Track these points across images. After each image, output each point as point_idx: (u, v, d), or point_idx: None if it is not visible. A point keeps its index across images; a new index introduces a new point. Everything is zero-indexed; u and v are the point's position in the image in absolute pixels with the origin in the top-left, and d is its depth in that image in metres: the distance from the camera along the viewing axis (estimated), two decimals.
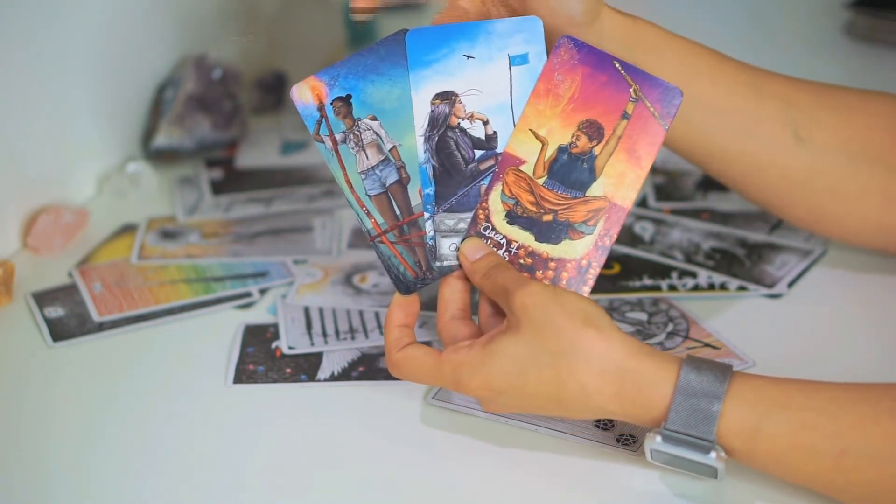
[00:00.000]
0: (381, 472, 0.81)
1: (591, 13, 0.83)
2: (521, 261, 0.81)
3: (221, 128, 1.22)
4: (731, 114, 0.89)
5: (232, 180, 1.20)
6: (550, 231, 0.82)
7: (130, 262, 1.05)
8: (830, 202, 0.91)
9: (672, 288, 0.98)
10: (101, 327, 0.96)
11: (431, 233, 0.82)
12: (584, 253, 0.81)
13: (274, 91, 1.32)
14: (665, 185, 1.13)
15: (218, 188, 1.18)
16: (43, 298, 1.00)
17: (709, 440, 0.73)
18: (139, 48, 1.20)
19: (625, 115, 0.81)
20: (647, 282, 0.99)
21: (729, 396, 0.73)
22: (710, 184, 1.13)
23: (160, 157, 1.20)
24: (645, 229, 1.07)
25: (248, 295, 1.00)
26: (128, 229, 1.10)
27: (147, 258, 1.05)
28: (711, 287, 0.98)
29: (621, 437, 0.81)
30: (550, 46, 0.82)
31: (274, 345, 0.93)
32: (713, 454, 0.73)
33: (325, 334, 0.94)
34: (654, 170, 1.16)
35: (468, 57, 0.82)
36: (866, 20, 1.40)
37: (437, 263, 0.82)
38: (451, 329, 0.81)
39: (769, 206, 0.94)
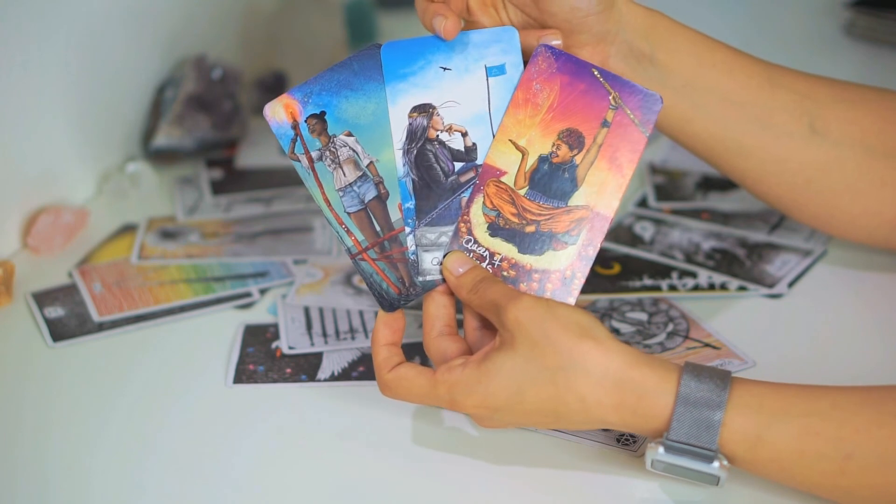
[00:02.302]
0: (381, 471, 0.81)
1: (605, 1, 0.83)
2: (505, 273, 0.81)
3: (221, 128, 1.22)
4: (746, 105, 0.88)
5: (232, 180, 1.19)
6: (533, 242, 0.81)
7: (130, 262, 1.05)
8: (845, 198, 0.90)
9: (672, 288, 0.98)
10: (101, 327, 0.96)
11: (413, 247, 0.81)
12: (567, 263, 0.81)
13: (274, 91, 1.32)
14: (665, 185, 1.13)
15: (218, 188, 1.18)
16: (43, 298, 1.00)
17: (711, 449, 0.72)
18: (139, 48, 1.20)
19: (605, 123, 0.81)
20: (648, 282, 0.99)
21: (730, 404, 0.72)
22: (710, 184, 1.13)
23: (160, 157, 1.20)
24: (645, 229, 1.07)
25: (248, 295, 1.00)
26: (128, 229, 1.10)
27: (147, 258, 1.05)
28: (711, 287, 0.98)
29: (622, 437, 0.81)
30: (574, 44, 0.81)
31: (274, 345, 0.93)
32: (716, 463, 0.72)
33: (325, 334, 0.94)
34: (654, 170, 1.16)
35: (444, 69, 0.81)
36: (866, 20, 1.40)
37: (420, 278, 0.81)
38: (440, 346, 0.80)
39: (783, 204, 0.93)
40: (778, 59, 0.92)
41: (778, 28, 1.48)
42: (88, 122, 1.14)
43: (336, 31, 1.41)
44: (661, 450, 0.73)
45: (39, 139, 1.08)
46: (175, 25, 1.24)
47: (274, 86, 1.32)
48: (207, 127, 1.21)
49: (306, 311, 0.97)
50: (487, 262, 0.81)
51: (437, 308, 0.81)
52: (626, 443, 0.81)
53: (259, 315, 0.97)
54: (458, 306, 0.82)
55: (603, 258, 1.02)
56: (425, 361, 0.88)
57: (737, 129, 0.89)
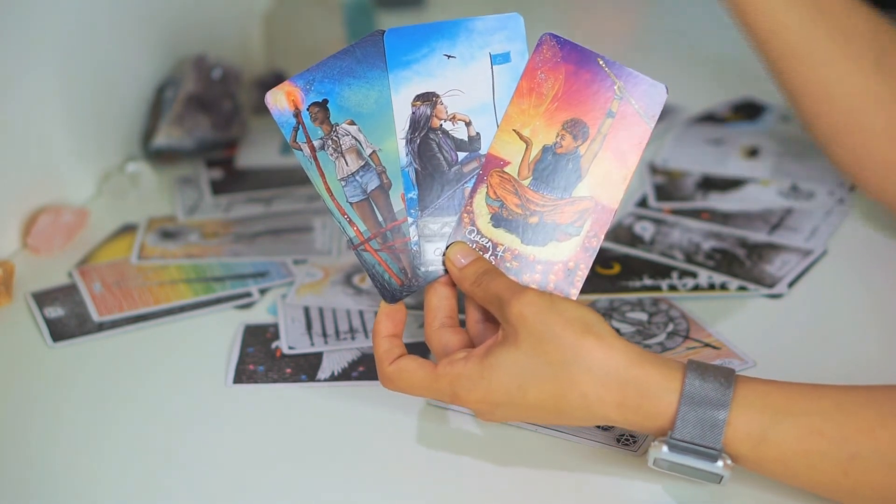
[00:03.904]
0: (381, 471, 0.81)
1: None
2: (508, 264, 0.80)
3: (221, 128, 1.22)
4: (830, 18, 0.94)
5: (232, 180, 1.19)
6: (537, 233, 0.81)
7: (130, 262, 1.05)
8: (884, 140, 0.94)
9: (672, 288, 0.98)
10: (101, 327, 0.96)
11: (416, 238, 0.81)
12: (571, 255, 0.80)
13: None
14: (665, 185, 1.13)
15: (218, 188, 1.18)
16: (43, 298, 1.00)
17: (716, 448, 0.72)
18: (139, 48, 1.20)
19: (609, 114, 0.80)
20: (648, 282, 0.99)
21: (735, 404, 0.72)
22: (710, 184, 1.13)
23: (160, 157, 1.20)
24: (645, 229, 1.07)
25: (248, 295, 1.00)
26: (128, 229, 1.10)
27: (147, 258, 1.05)
28: (712, 287, 0.98)
29: (621, 437, 0.81)
30: None
31: (274, 345, 0.93)
32: (720, 462, 0.72)
33: (325, 334, 0.94)
34: (654, 170, 1.16)
35: (449, 56, 0.81)
36: None
37: (423, 269, 0.81)
38: (441, 338, 0.80)
39: (829, 128, 0.97)
40: None
41: None
42: (88, 122, 1.14)
43: (336, 30, 1.41)
44: (664, 448, 0.73)
45: (39, 139, 1.08)
46: (175, 25, 1.24)
47: (274, 86, 1.32)
48: (207, 127, 1.21)
49: (306, 311, 0.97)
50: (490, 252, 0.81)
51: (440, 300, 0.81)
52: (627, 443, 0.81)
53: (259, 315, 0.97)
54: (460, 300, 0.82)
55: (603, 258, 1.02)
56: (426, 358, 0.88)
57: (816, 36, 0.94)
